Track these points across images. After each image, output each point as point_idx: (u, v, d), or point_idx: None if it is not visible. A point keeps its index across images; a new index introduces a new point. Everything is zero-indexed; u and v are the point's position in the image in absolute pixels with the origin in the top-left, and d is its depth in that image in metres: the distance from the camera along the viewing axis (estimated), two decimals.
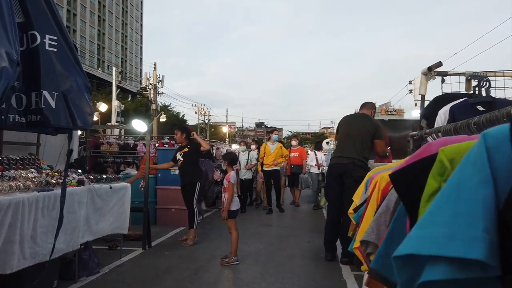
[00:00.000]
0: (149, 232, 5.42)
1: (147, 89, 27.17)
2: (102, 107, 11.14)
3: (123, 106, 35.05)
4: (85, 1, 65.85)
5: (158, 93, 31.39)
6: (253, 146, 9.85)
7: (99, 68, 49.36)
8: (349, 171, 4.66)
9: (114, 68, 17.04)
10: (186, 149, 5.92)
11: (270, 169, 8.80)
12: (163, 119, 23.04)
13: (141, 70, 78.28)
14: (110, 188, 4.34)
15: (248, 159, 9.20)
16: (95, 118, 12.55)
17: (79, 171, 4.69)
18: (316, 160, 10.10)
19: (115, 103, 15.44)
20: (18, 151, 6.40)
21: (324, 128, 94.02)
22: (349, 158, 4.74)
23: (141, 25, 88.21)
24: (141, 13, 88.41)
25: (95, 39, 68.68)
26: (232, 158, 5.08)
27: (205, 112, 46.12)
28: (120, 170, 7.78)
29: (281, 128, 78.82)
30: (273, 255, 5.20)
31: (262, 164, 8.95)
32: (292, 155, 9.94)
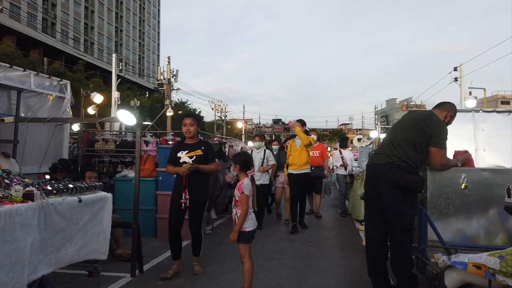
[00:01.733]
0: (140, 253, 4.28)
1: (162, 84, 26.24)
2: (97, 98, 10.11)
3: (138, 102, 34.49)
4: None
5: (174, 89, 30.51)
6: (257, 143, 7.58)
7: (120, 69, 48.82)
8: (383, 174, 3.40)
9: (114, 55, 15.91)
10: (199, 152, 4.26)
11: (298, 171, 6.66)
12: (170, 113, 22.00)
13: (158, 67, 77.81)
14: (79, 201, 3.20)
15: (264, 158, 7.12)
16: (92, 112, 11.50)
17: (44, 178, 3.58)
18: (342, 160, 8.80)
19: (115, 94, 14.30)
20: None
21: (342, 124, 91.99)
22: (388, 156, 3.46)
23: (159, 21, 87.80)
24: (158, 10, 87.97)
25: (113, 36, 68.48)
26: (245, 161, 3.66)
27: (221, 108, 45.11)
28: (117, 171, 6.69)
29: None
30: (300, 287, 3.98)
31: (287, 166, 6.88)
32: (311, 154, 7.67)
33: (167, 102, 23.10)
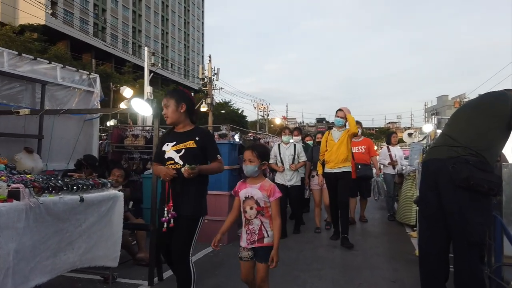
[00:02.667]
0: (159, 259, 3.84)
1: (206, 83, 26.29)
2: (127, 92, 9.90)
3: None
4: (150, 2, 67.54)
5: (217, 88, 30.53)
6: (296, 138, 6.68)
7: (159, 66, 50.05)
8: (446, 171, 2.67)
9: (146, 49, 15.76)
10: (191, 143, 2.87)
11: (336, 170, 5.49)
12: (203, 108, 21.86)
13: (200, 66, 78.93)
14: (81, 200, 2.79)
15: (294, 154, 5.98)
16: (124, 107, 11.33)
17: (55, 179, 3.23)
18: (390, 158, 7.94)
19: (148, 89, 13.97)
20: (15, 144, 5.19)
21: (390, 123, 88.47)
22: (451, 149, 2.72)
23: (203, 23, 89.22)
24: (202, 12, 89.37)
25: (159, 38, 70.31)
26: (262, 152, 2.79)
27: (264, 107, 44.73)
28: (147, 168, 6.36)
29: None
30: None
31: (323, 164, 5.68)
32: (355, 150, 6.88)
33: (208, 100, 22.97)
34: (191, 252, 2.88)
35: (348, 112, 5.49)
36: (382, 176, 8.92)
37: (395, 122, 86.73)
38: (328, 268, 4.38)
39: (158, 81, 56.51)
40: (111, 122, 8.32)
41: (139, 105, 3.75)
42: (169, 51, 72.71)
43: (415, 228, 6.11)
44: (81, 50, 44.70)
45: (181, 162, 2.82)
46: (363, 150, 7.12)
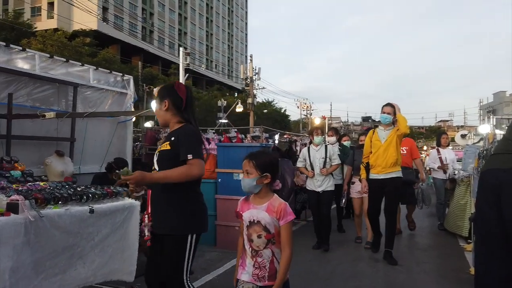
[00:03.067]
0: None
1: (247, 82, 26.25)
2: None
3: (225, 102, 35.23)
4: (195, 4, 68.89)
5: (259, 88, 30.40)
6: (331, 139, 6.14)
7: (203, 66, 50.82)
8: (511, 184, 2.21)
9: (181, 49, 15.68)
10: (166, 145, 2.42)
11: (385, 175, 4.77)
12: (239, 108, 21.69)
13: (241, 65, 79.30)
14: (91, 212, 2.59)
15: (325, 157, 5.36)
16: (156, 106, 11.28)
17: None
18: (440, 161, 7.24)
19: None
20: (47, 147, 5.20)
21: (441, 121, 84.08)
22: None
23: (246, 23, 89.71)
24: (246, 12, 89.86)
25: (204, 40, 71.54)
26: (264, 162, 2.17)
27: (307, 106, 43.99)
28: None
29: None
30: None
31: (367, 168, 4.95)
32: None
33: (249, 100, 22.83)
34: (185, 277, 2.31)
35: (398, 111, 4.79)
36: (431, 180, 8.22)
37: (447, 120, 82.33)
38: (367, 286, 3.94)
39: (202, 82, 57.58)
40: (148, 124, 8.30)
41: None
42: (213, 52, 73.79)
43: (469, 240, 5.48)
44: (131, 53, 46.40)
45: (157, 168, 2.42)
46: (405, 152, 6.14)
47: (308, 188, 5.47)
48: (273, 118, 43.63)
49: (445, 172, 7.16)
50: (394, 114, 4.78)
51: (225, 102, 34.94)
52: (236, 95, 56.24)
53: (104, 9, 46.65)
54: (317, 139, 5.45)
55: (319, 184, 5.34)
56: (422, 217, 8.04)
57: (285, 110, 48.70)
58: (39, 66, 4.83)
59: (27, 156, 4.49)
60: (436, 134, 9.19)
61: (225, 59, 78.28)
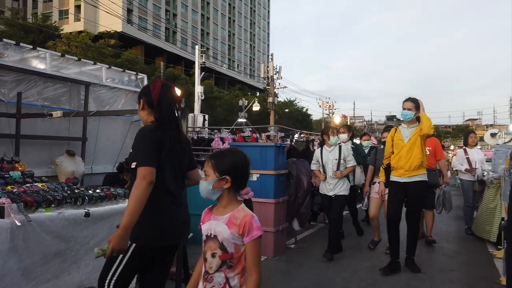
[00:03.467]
0: (187, 276, 3.44)
1: (268, 82, 26.06)
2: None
3: (246, 101, 35.19)
4: (217, 4, 69.22)
5: (280, 87, 30.15)
6: (342, 136, 5.68)
7: (224, 66, 50.98)
8: None
9: (196, 47, 15.51)
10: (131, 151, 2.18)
11: (408, 179, 4.28)
12: (256, 107, 21.48)
13: (261, 64, 78.96)
14: (86, 215, 2.46)
15: (339, 158, 4.96)
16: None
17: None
18: (468, 163, 6.83)
19: (198, 88, 13.39)
20: (58, 147, 5.16)
21: (469, 119, 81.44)
22: None
23: (268, 23, 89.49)
24: (268, 11, 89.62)
25: (226, 40, 71.80)
26: (223, 163, 1.74)
27: (329, 105, 43.39)
28: None
29: None
30: None
31: (387, 169, 4.49)
32: None
33: (270, 99, 22.62)
34: (109, 279, 2.09)
35: (422, 109, 4.31)
36: (458, 181, 7.79)
37: (475, 119, 79.68)
38: None
39: (224, 82, 57.76)
40: None
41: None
42: (235, 52, 73.97)
43: (499, 246, 5.10)
44: (154, 54, 47.02)
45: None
46: (428, 152, 5.51)
47: (321, 192, 5.17)
48: (295, 117, 43.29)
49: (473, 173, 6.75)
50: (417, 109, 4.33)
51: (246, 101, 34.88)
52: (258, 94, 56.25)
53: (129, 11, 47.42)
54: (333, 139, 5.02)
55: (331, 187, 4.96)
56: (448, 221, 7.64)
57: (306, 110, 48.28)
58: (50, 65, 4.79)
59: (37, 156, 4.47)
60: (464, 133, 8.72)
61: (247, 58, 78.34)
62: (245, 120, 18.57)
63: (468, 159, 6.84)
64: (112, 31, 35.52)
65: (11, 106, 4.34)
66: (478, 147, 8.13)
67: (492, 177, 6.08)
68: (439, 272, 4.45)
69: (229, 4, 73.28)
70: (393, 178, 4.41)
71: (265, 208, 4.96)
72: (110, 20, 32.20)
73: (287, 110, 43.38)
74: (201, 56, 14.90)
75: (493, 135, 8.39)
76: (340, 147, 5.06)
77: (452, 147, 27.76)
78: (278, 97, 42.68)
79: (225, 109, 32.70)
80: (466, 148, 7.11)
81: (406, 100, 4.43)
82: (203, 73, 15.75)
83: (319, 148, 5.23)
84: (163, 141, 2.12)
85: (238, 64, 72.52)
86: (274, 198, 4.94)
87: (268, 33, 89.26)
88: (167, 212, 2.14)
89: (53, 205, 2.31)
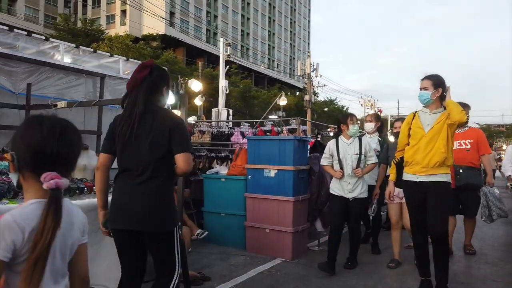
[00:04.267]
0: (187, 278, 3.15)
1: (305, 81, 25.58)
2: (195, 85, 9.43)
3: (285, 100, 34.86)
4: (257, 5, 69.33)
5: (320, 86, 29.51)
6: (368, 125, 4.96)
7: (262, 65, 50.79)
8: None
9: (221, 39, 15.17)
10: None
11: (424, 178, 3.32)
12: (283, 101, 20.97)
13: (298, 61, 77.84)
14: None
15: (360, 153, 4.13)
16: (198, 102, 10.90)
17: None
18: None
19: (223, 82, 12.98)
20: None
21: None
22: None
23: (309, 21, 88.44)
24: (309, 10, 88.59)
25: (266, 39, 71.74)
26: (32, 145, 1.17)
27: (371, 104, 41.99)
28: (212, 167, 5.83)
29: None
30: None
31: (399, 165, 3.60)
32: (455, 146, 4.20)
33: (307, 97, 22.11)
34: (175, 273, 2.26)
35: (449, 97, 3.30)
36: (509, 184, 7.01)
37: None
38: None
39: (264, 81, 57.61)
40: (190, 119, 8.06)
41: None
42: (275, 52, 73.73)
43: None
44: (196, 55, 47.83)
45: None
46: (468, 146, 4.60)
47: (334, 193, 4.20)
48: (334, 116, 42.32)
49: None
50: (437, 87, 3.36)
51: (285, 100, 34.53)
52: (297, 93, 55.56)
53: (171, 14, 48.51)
54: (353, 128, 4.13)
55: (351, 188, 4.08)
56: (495, 225, 6.84)
57: (347, 108, 47.07)
58: (63, 56, 4.71)
59: None
60: None
61: (287, 58, 77.84)
62: (276, 117, 18.21)
63: None
64: (155, 34, 36.46)
65: (22, 98, 4.29)
66: None
67: None
68: (481, 283, 3.88)
69: (269, 4, 73.13)
70: (406, 176, 3.46)
71: (283, 206, 4.60)
72: (154, 23, 33.06)
73: (326, 109, 42.47)
74: (226, 49, 14.74)
75: None
76: (360, 139, 4.22)
77: (504, 147, 25.74)
78: (317, 96, 41.89)
79: (263, 108, 32.59)
80: None
81: (424, 78, 3.47)
82: (227, 66, 15.54)
83: (333, 140, 4.33)
84: (116, 127, 2.20)
85: (278, 64, 72.19)
86: (293, 196, 4.56)
87: (309, 32, 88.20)
88: (113, 197, 2.23)
89: (21, 197, 2.11)
